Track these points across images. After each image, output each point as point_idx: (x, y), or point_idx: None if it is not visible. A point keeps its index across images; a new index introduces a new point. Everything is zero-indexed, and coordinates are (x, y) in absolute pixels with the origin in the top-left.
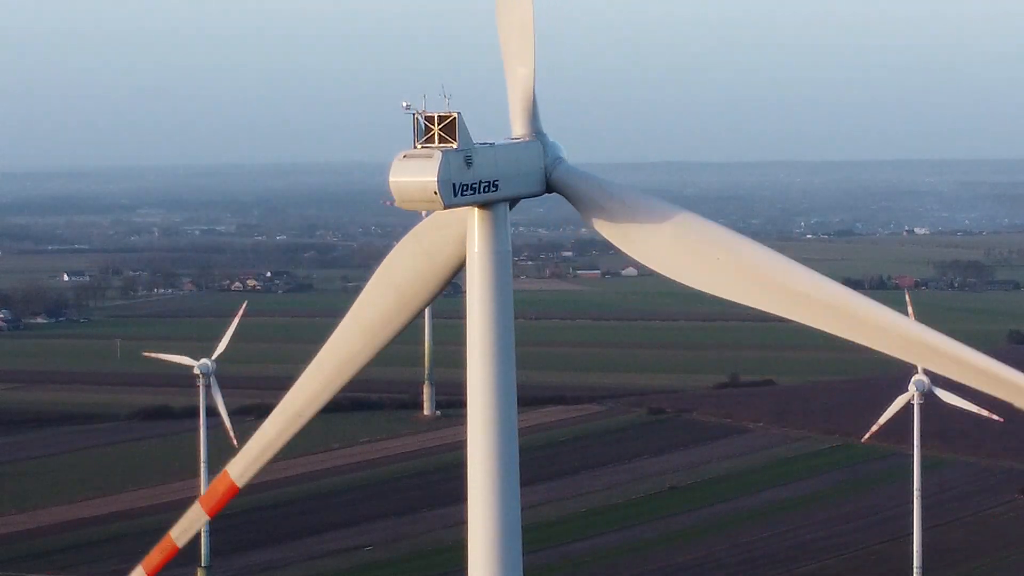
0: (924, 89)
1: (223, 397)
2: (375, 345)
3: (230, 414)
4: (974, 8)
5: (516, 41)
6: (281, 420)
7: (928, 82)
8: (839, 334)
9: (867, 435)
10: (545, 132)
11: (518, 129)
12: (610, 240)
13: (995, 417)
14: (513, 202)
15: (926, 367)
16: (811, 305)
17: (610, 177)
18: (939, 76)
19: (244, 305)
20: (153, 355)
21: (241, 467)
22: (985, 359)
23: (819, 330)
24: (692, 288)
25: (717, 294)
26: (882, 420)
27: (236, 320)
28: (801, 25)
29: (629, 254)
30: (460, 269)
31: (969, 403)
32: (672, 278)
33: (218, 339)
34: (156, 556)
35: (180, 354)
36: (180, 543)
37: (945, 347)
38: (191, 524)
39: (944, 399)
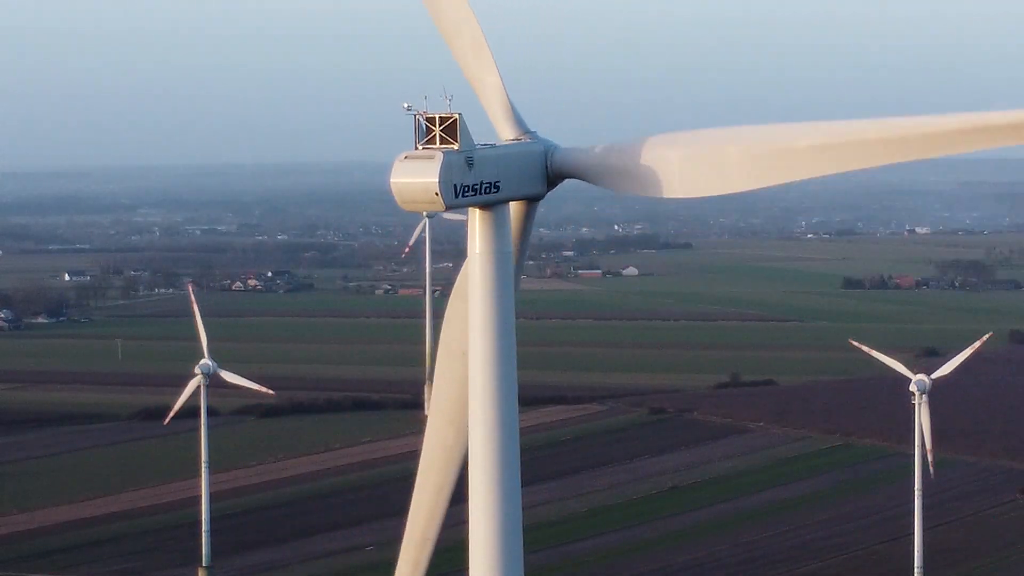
0: (925, 89)
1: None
2: (467, 430)
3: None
4: (975, 8)
5: (473, 55)
6: (411, 553)
7: (929, 82)
8: (861, 166)
9: (931, 467)
10: (534, 130)
11: (507, 133)
12: (633, 193)
13: (978, 343)
14: (530, 209)
15: (953, 152)
16: (827, 152)
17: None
18: (940, 76)
19: (191, 288)
20: (172, 413)
21: None
22: (1010, 114)
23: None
24: (717, 197)
25: (746, 188)
26: (929, 445)
27: (195, 307)
28: (802, 24)
29: (655, 195)
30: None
31: (966, 351)
32: (705, 195)
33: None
34: None
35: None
36: None
37: (961, 123)
38: None
39: (943, 372)
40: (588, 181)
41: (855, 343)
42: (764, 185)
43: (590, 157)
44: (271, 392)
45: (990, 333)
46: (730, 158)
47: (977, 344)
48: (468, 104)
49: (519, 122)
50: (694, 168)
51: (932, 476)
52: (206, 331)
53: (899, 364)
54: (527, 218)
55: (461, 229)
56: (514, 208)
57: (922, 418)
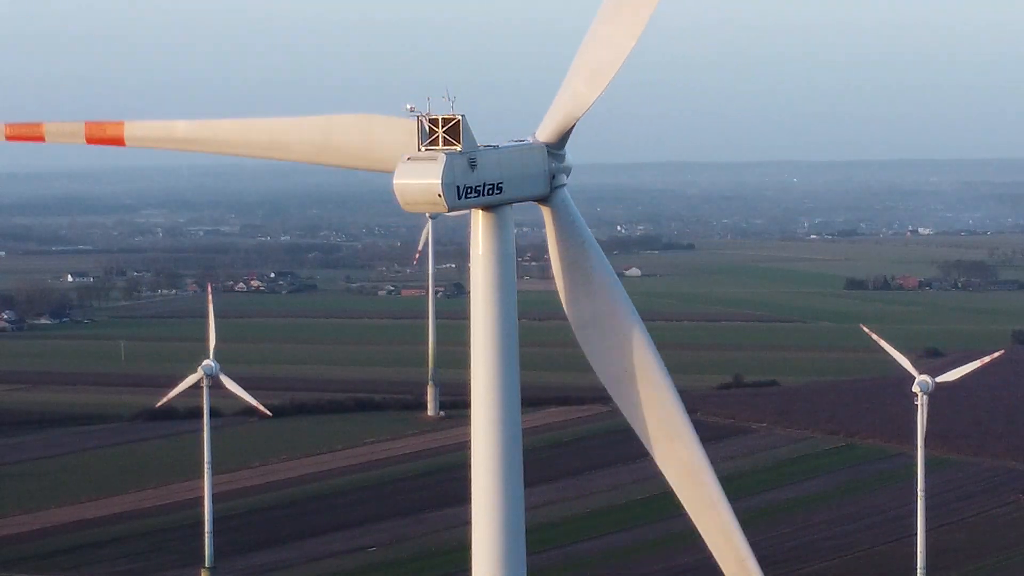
0: (928, 89)
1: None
2: (283, 154)
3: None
4: (980, 8)
5: (596, 66)
6: (195, 133)
7: (932, 82)
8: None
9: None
10: (566, 150)
11: (546, 136)
12: (556, 279)
13: (997, 354)
14: (555, 204)
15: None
16: (672, 461)
17: (611, 179)
18: (943, 76)
19: (210, 288)
20: (166, 399)
21: (139, 134)
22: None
23: None
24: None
25: (610, 394)
26: (920, 439)
27: (210, 306)
28: (805, 24)
29: (565, 307)
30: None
31: (975, 362)
32: (584, 350)
33: (217, 341)
34: (23, 130)
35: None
36: (48, 139)
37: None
38: (69, 134)
39: (951, 378)
40: (550, 236)
41: (865, 329)
42: (615, 402)
43: (568, 239)
44: (268, 413)
45: (1002, 351)
46: (625, 370)
47: (987, 359)
48: (472, 105)
49: (565, 137)
50: (598, 340)
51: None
52: (216, 333)
53: (905, 359)
54: (561, 213)
55: (464, 229)
56: (545, 214)
57: (919, 424)
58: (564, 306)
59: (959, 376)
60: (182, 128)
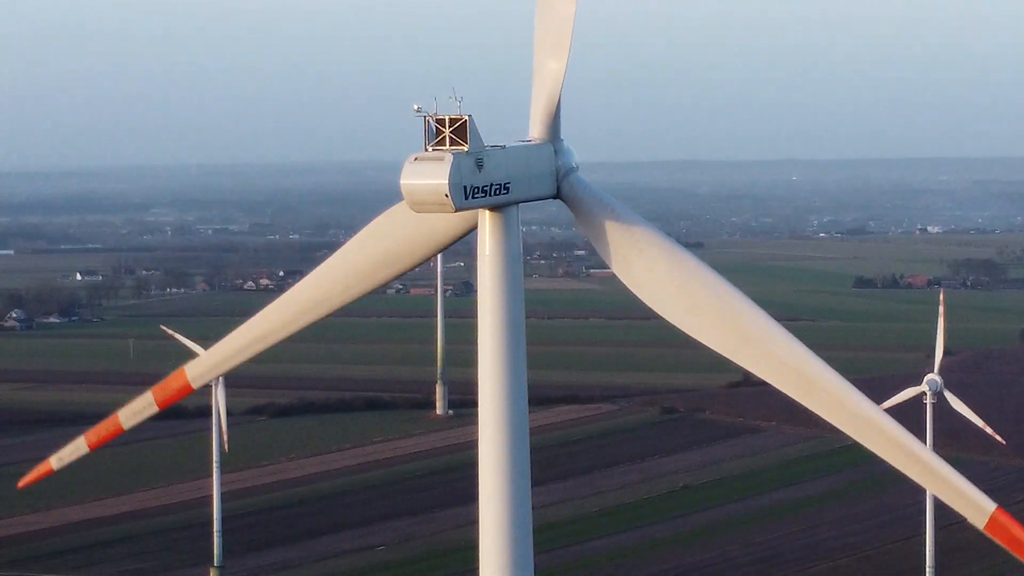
0: (938, 87)
1: (227, 400)
2: (352, 292)
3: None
4: (987, 5)
5: (552, 37)
6: (247, 337)
7: (942, 80)
8: (798, 400)
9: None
10: (562, 138)
11: (536, 131)
12: (603, 258)
13: (998, 438)
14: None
15: (873, 450)
16: (780, 368)
17: (620, 178)
18: (952, 74)
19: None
20: (171, 333)
21: (199, 371)
22: (938, 462)
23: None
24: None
25: (693, 336)
26: (887, 404)
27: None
28: (814, 22)
29: (619, 277)
30: (457, 240)
31: (976, 416)
32: (653, 308)
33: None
34: (101, 431)
35: (190, 355)
36: (126, 426)
37: (899, 437)
38: (141, 410)
39: (953, 405)
40: (579, 224)
41: (943, 296)
42: (708, 346)
43: (593, 208)
44: (225, 449)
45: (1004, 442)
46: (696, 303)
47: (988, 430)
48: (479, 106)
49: (555, 124)
50: (671, 291)
51: None
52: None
53: (940, 350)
54: (580, 195)
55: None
56: (568, 206)
57: (900, 394)
58: (622, 278)
59: (960, 410)
60: (236, 341)
